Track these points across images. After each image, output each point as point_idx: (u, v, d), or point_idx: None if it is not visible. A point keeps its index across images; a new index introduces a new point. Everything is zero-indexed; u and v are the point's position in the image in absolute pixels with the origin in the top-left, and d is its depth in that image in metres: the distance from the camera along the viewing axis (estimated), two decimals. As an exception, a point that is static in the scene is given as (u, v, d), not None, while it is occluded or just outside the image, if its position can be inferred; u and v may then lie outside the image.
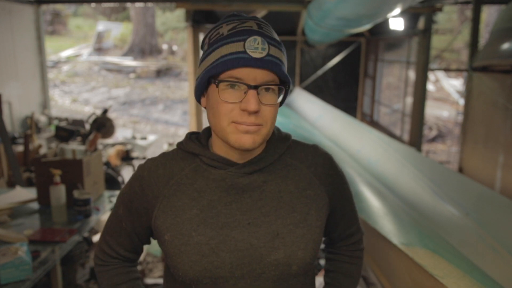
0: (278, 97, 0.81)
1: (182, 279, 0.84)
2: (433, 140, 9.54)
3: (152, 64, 14.03)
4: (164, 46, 15.51)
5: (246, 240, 0.83)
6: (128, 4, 15.27)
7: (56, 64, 13.91)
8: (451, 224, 2.17)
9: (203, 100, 0.86)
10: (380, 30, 6.40)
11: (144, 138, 5.87)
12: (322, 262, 3.21)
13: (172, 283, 0.91)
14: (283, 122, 3.80)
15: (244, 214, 0.84)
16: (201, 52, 0.87)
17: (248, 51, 0.76)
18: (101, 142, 5.01)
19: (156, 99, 11.78)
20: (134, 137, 5.93)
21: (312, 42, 6.26)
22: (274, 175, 0.87)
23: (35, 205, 2.43)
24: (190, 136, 0.91)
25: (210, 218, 0.83)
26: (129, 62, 14.11)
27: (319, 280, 3.01)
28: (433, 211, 2.32)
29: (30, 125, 5.08)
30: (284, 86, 0.81)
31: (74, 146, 4.24)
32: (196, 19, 6.05)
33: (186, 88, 12.14)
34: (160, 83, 12.90)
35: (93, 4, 13.96)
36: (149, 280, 3.11)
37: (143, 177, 0.88)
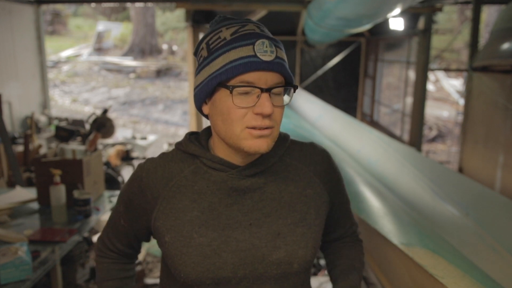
0: (285, 98, 0.82)
1: (184, 281, 0.84)
2: (433, 140, 9.54)
3: (152, 64, 14.03)
4: (164, 46, 15.51)
5: (248, 241, 0.83)
6: (128, 4, 15.27)
7: (56, 64, 13.91)
8: (451, 224, 2.17)
9: (205, 107, 0.85)
10: (380, 30, 6.40)
11: (144, 138, 5.88)
12: (322, 262, 3.21)
13: (171, 285, 0.91)
14: (283, 122, 3.79)
15: (245, 215, 0.84)
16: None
17: (258, 54, 0.76)
18: (101, 142, 5.01)
19: (156, 99, 11.78)
20: (134, 137, 5.93)
21: (312, 42, 6.26)
22: (274, 176, 0.88)
23: (35, 205, 2.43)
24: (190, 136, 0.90)
25: (211, 219, 0.84)
26: (129, 62, 14.11)
27: (320, 280, 3.01)
28: (433, 211, 2.32)
29: (30, 125, 5.08)
30: (292, 86, 0.82)
31: (74, 146, 4.24)
32: (196, 19, 6.05)
33: (186, 88, 12.14)
34: (160, 83, 12.90)
35: (93, 4, 13.97)
36: (149, 280, 3.11)
37: (142, 178, 0.88)
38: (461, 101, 7.14)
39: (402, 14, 5.06)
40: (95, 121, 4.67)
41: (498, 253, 1.85)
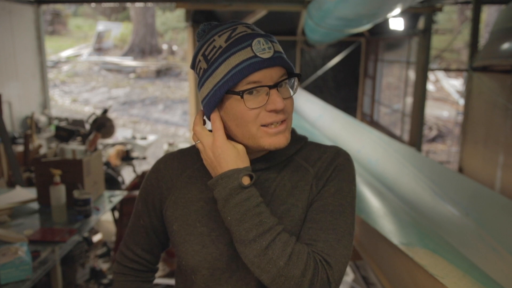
0: (292, 88, 0.84)
1: (184, 268, 0.88)
2: (433, 140, 9.54)
3: (152, 64, 14.03)
4: (164, 46, 15.51)
5: None
6: (128, 4, 15.27)
7: (56, 64, 13.91)
8: (451, 224, 2.17)
9: (214, 115, 0.84)
10: (380, 30, 6.40)
11: (144, 138, 5.88)
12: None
13: (178, 272, 0.96)
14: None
15: None
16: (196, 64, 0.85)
17: (258, 54, 0.77)
18: (101, 142, 5.01)
19: (156, 99, 11.78)
20: (134, 137, 5.93)
21: (312, 42, 6.26)
22: (277, 174, 0.88)
23: (35, 205, 2.43)
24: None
25: (213, 211, 0.86)
26: (129, 62, 14.11)
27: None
28: (433, 211, 2.32)
29: (30, 125, 5.08)
30: (296, 75, 0.83)
31: (74, 146, 4.24)
32: (196, 19, 6.05)
33: (186, 88, 12.14)
34: (160, 83, 12.90)
35: (93, 4, 13.97)
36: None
37: (160, 169, 0.93)
38: (461, 101, 7.14)
39: (402, 14, 5.07)
40: (95, 121, 4.67)
41: (498, 253, 1.85)
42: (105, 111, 4.82)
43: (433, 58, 9.44)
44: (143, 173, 3.67)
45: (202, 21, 6.13)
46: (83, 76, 13.25)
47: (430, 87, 12.03)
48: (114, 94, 12.05)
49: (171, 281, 2.98)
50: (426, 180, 2.53)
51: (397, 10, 3.14)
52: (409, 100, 6.05)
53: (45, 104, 6.14)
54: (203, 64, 0.82)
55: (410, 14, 5.64)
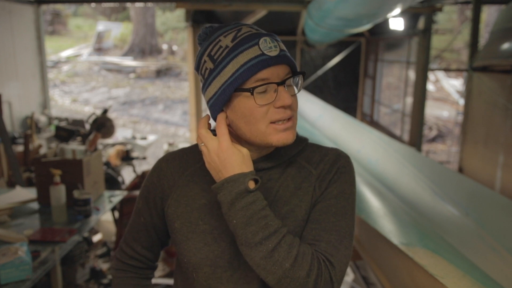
0: (296, 86, 0.86)
1: (186, 266, 0.89)
2: (433, 140, 9.54)
3: (152, 64, 14.03)
4: (164, 46, 15.50)
5: None
6: (128, 4, 15.27)
7: (56, 64, 13.91)
8: (451, 224, 2.17)
9: (220, 115, 0.85)
10: (380, 30, 6.40)
11: (144, 138, 5.88)
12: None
13: (179, 272, 0.96)
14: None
15: None
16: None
17: (265, 52, 0.79)
18: (101, 142, 5.01)
19: (156, 99, 11.78)
20: (134, 137, 5.93)
21: (312, 42, 6.26)
22: (280, 174, 0.88)
23: (35, 205, 2.43)
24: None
25: (216, 209, 0.87)
26: (129, 62, 14.11)
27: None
28: (433, 211, 2.32)
29: (30, 125, 5.08)
30: (301, 73, 0.85)
31: (74, 146, 4.24)
32: (196, 19, 6.05)
33: (186, 88, 12.14)
34: (160, 83, 12.90)
35: (93, 4, 13.97)
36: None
37: (162, 168, 0.94)
38: (461, 101, 7.14)
39: (402, 14, 5.07)
40: (95, 121, 4.67)
41: (498, 253, 1.85)
42: (105, 111, 4.82)
43: (433, 58, 9.44)
44: (143, 173, 3.66)
45: (202, 21, 6.13)
46: (83, 76, 13.25)
47: (430, 87, 12.03)
48: (114, 94, 12.05)
49: (171, 281, 2.98)
50: (426, 180, 2.53)
51: (397, 10, 3.14)
52: (409, 100, 6.05)
53: (45, 104, 6.14)
54: (209, 64, 0.82)
55: (410, 14, 5.64)
